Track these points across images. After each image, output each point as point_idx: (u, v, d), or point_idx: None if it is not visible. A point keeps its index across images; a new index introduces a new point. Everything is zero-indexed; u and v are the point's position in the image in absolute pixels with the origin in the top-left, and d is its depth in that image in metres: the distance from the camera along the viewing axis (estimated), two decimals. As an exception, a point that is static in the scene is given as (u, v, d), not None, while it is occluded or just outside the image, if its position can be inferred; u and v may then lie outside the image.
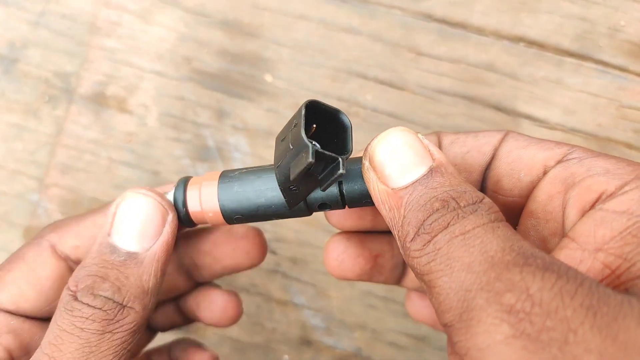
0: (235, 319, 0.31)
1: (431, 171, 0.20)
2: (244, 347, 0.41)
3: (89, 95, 0.42)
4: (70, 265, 0.26)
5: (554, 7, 0.40)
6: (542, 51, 0.40)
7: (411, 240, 0.19)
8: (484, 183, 0.25)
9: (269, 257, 0.41)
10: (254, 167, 0.25)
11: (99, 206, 0.27)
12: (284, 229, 0.41)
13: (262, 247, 0.30)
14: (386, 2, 0.41)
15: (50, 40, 0.42)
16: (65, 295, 0.23)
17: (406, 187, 0.20)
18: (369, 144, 0.22)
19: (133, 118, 0.42)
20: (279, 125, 0.41)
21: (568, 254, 0.20)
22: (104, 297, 0.22)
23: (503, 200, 0.24)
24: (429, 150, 0.21)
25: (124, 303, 0.22)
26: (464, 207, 0.19)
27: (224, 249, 0.29)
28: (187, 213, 0.25)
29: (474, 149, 0.24)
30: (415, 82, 0.41)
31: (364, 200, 0.23)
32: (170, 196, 0.25)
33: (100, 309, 0.22)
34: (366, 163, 0.22)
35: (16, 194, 0.42)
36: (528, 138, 0.24)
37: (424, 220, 0.19)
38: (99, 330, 0.22)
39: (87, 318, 0.22)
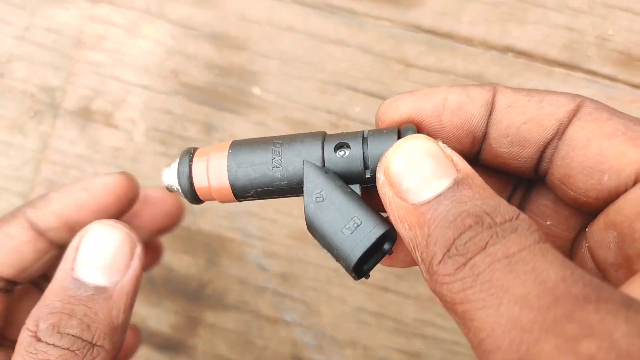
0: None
1: (457, 183, 0.18)
2: (234, 365, 0.40)
3: (75, 110, 0.41)
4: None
5: (541, 17, 0.40)
6: (531, 61, 0.40)
7: (439, 262, 0.17)
8: (540, 163, 0.21)
9: (258, 274, 0.40)
10: (269, 136, 0.22)
11: (5, 215, 0.26)
12: (274, 244, 0.40)
13: (180, 206, 0.29)
14: (374, 13, 0.41)
15: (36, 54, 0.42)
16: (24, 337, 0.20)
17: (429, 202, 0.17)
18: (384, 154, 0.19)
19: (120, 133, 0.41)
20: (267, 139, 0.40)
21: None
22: (72, 335, 0.20)
23: (573, 196, 0.20)
24: (452, 160, 0.18)
25: (94, 341, 0.20)
26: (501, 224, 0.16)
27: (143, 216, 0.28)
28: (192, 189, 0.22)
29: (534, 119, 0.20)
30: (404, 93, 0.40)
31: None
32: (173, 169, 0.23)
33: (67, 349, 0.20)
34: (381, 177, 0.19)
35: (1, 211, 0.41)
36: (610, 116, 0.19)
37: (454, 239, 0.16)
38: None
39: None
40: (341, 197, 0.20)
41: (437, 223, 0.17)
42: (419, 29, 0.41)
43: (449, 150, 0.19)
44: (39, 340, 0.20)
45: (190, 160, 0.22)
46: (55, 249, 0.26)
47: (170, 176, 0.23)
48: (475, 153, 0.22)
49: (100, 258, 0.22)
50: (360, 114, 0.40)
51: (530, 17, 0.40)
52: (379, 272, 0.39)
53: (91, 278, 0.22)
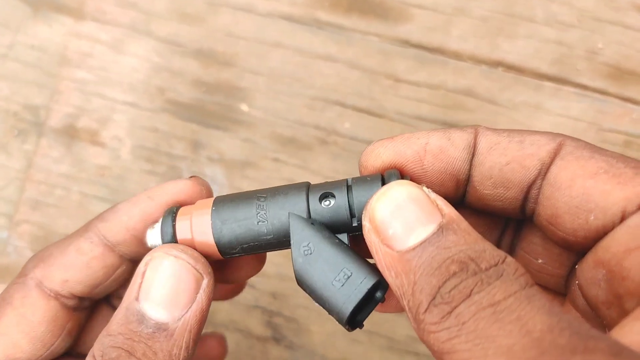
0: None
1: (441, 228, 0.17)
2: (224, 385, 0.39)
3: (60, 128, 0.41)
4: (63, 301, 0.24)
5: (530, 31, 0.40)
6: (521, 75, 0.40)
7: (425, 310, 0.16)
8: (526, 204, 0.21)
9: (248, 292, 0.39)
10: (252, 190, 0.22)
11: (78, 229, 0.25)
12: (263, 262, 0.40)
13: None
14: (362, 28, 0.40)
15: (20, 72, 0.41)
16: None
17: (414, 249, 0.17)
18: (368, 201, 0.19)
19: (106, 151, 0.41)
20: (255, 155, 0.40)
21: None
22: None
23: (562, 236, 0.20)
24: (437, 205, 0.18)
25: None
26: (486, 269, 0.16)
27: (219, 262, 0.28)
28: None
29: (515, 160, 0.20)
30: (393, 109, 0.40)
31: None
32: (157, 229, 0.22)
33: None
34: (367, 224, 0.19)
35: (-16, 231, 0.41)
36: (592, 154, 0.19)
37: (439, 287, 0.16)
38: None
39: None
40: (329, 248, 0.20)
41: (422, 270, 0.17)
42: (407, 43, 0.40)
43: (433, 195, 0.19)
44: None
45: (174, 220, 0.22)
46: (127, 263, 0.25)
47: (154, 236, 0.22)
48: (460, 196, 0.22)
49: (162, 291, 0.21)
50: (349, 129, 0.40)
51: (520, 31, 0.40)
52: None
53: (153, 312, 0.21)
